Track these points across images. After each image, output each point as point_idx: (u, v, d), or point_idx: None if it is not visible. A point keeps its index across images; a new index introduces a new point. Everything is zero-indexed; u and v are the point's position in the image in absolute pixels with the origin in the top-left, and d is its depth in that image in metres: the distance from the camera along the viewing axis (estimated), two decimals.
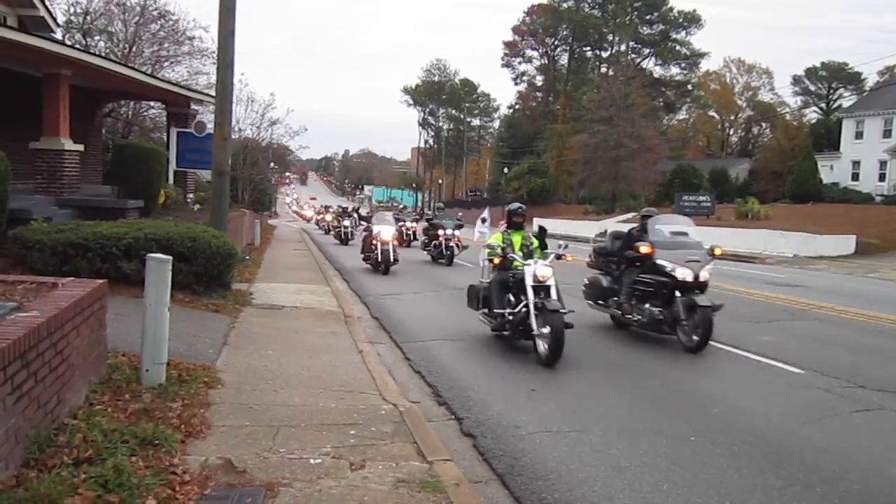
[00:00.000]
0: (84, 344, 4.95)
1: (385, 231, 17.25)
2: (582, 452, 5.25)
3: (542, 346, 8.01)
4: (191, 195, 19.60)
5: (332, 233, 34.87)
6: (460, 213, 25.34)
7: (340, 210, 32.38)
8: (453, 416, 6.16)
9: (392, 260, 16.98)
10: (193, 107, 19.68)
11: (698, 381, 7.64)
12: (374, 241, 17.22)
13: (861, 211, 38.60)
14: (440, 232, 20.40)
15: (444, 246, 20.23)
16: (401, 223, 26.88)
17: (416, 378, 7.52)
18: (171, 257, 6.01)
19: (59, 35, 19.74)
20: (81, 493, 3.59)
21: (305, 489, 4.18)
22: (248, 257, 17.59)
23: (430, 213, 23.09)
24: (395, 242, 17.67)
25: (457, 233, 20.78)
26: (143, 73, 17.87)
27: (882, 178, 47.36)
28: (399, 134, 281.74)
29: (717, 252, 9.60)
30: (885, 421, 6.36)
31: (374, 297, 13.30)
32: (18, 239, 9.25)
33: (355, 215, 31.67)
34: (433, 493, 4.26)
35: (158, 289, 5.82)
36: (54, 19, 17.44)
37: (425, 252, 21.68)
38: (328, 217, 41.86)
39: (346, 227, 29.77)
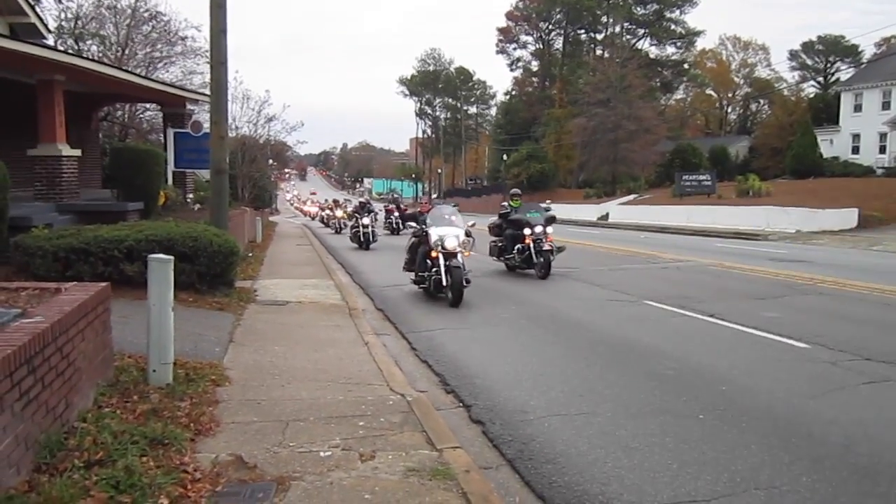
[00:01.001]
0: (90, 347, 4.96)
1: (451, 237, 11.51)
2: (590, 434, 5.27)
3: None
4: (190, 195, 19.62)
5: (346, 232, 29.03)
6: (548, 200, 19.13)
7: (358, 205, 25.82)
8: (461, 404, 6.17)
9: (465, 281, 11.33)
10: (189, 107, 19.67)
11: (705, 359, 7.64)
12: (433, 254, 11.51)
13: (862, 184, 38.45)
14: (526, 231, 14.49)
15: (533, 250, 14.45)
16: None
17: (422, 367, 7.53)
18: (172, 257, 6.02)
19: (50, 41, 19.70)
20: (94, 496, 3.61)
21: (316, 482, 4.20)
22: (250, 254, 17.62)
23: (504, 205, 16.20)
24: (467, 253, 11.85)
25: (549, 230, 14.78)
26: (137, 75, 17.85)
27: (882, 150, 47.13)
28: (397, 125, 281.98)
29: None
30: (893, 392, 6.37)
31: (378, 289, 13.30)
32: (20, 246, 9.27)
33: (376, 211, 26.39)
34: (444, 480, 4.28)
35: (161, 289, 5.83)
36: (45, 25, 17.37)
37: (501, 260, 15.70)
38: (339, 213, 35.91)
39: (365, 227, 23.60)
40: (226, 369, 6.69)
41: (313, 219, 54.06)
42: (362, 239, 23.72)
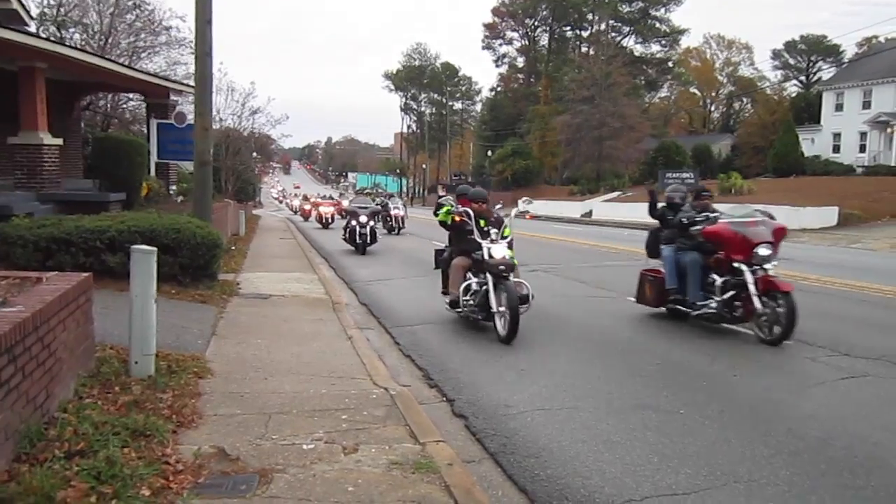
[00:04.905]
0: (71, 338, 4.93)
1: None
2: (573, 429, 5.30)
3: None
4: (173, 187, 19.46)
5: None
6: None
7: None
8: (444, 398, 6.18)
9: None
10: (173, 97, 19.47)
11: (687, 355, 7.70)
12: None
13: (842, 183, 38.95)
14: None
15: None
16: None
17: (406, 362, 7.53)
18: (155, 249, 5.98)
19: (33, 28, 19.42)
20: (74, 486, 3.58)
21: (299, 474, 4.19)
22: (233, 247, 17.51)
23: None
24: None
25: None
26: (121, 64, 17.66)
27: (862, 149, 47.77)
28: (382, 120, 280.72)
29: None
30: (870, 387, 6.46)
31: (362, 284, 13.28)
32: (0, 235, 9.16)
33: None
34: (427, 473, 4.29)
35: (144, 280, 5.79)
36: (27, 12, 17.11)
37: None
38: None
39: None
40: (208, 362, 6.66)
41: (323, 224, 33.12)
42: None
